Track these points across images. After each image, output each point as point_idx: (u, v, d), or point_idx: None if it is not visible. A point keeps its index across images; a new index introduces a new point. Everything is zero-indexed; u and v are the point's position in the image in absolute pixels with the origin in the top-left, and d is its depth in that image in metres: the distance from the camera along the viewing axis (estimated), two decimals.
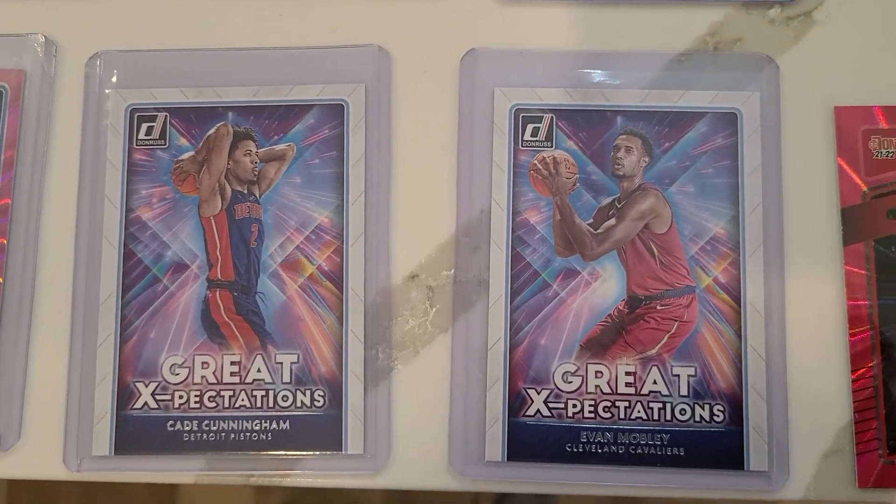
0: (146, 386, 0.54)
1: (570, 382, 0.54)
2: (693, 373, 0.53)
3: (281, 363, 0.54)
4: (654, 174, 0.55)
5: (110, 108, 0.57)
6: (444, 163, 0.56)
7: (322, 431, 0.54)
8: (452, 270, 0.55)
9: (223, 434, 0.54)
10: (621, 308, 0.54)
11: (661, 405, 0.53)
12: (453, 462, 0.53)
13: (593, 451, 0.53)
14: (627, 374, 0.53)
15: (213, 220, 0.56)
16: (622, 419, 0.53)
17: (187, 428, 0.54)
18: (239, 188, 0.56)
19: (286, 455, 0.54)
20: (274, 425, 0.54)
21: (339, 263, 0.55)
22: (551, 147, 0.56)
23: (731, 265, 0.54)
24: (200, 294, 0.55)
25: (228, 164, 0.57)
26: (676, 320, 0.54)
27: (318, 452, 0.54)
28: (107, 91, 0.57)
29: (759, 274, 0.54)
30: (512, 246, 0.55)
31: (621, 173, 0.56)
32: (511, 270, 0.55)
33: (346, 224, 0.56)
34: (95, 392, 0.54)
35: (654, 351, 0.54)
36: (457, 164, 0.56)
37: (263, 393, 0.54)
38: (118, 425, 0.54)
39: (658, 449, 0.53)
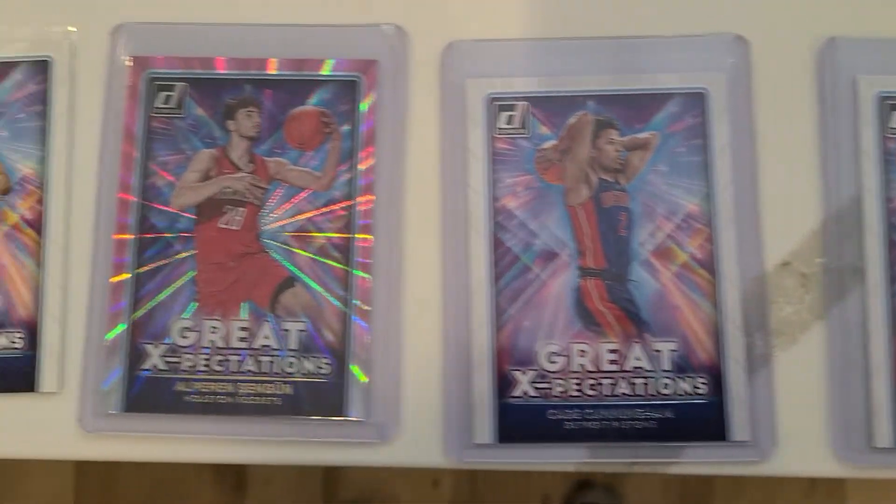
0: (524, 374, 0.54)
1: None
2: None
3: (659, 351, 0.54)
4: None
5: (470, 98, 0.57)
6: (808, 150, 0.56)
7: (706, 419, 0.54)
8: (825, 258, 0.55)
9: (605, 422, 0.54)
10: None
11: None
12: (838, 448, 0.53)
13: None
14: None
15: (580, 209, 0.56)
16: None
17: (568, 416, 0.54)
18: (604, 176, 0.56)
19: (671, 443, 0.54)
20: (657, 413, 0.54)
21: (711, 251, 0.55)
22: None
23: None
24: (572, 282, 0.55)
25: (592, 152, 0.57)
26: None
27: (702, 440, 0.54)
28: (465, 80, 0.57)
29: None
30: (887, 233, 0.55)
31: None
32: (888, 257, 0.55)
33: (715, 212, 0.55)
34: (473, 380, 0.54)
35: None
36: (821, 151, 0.56)
37: (644, 381, 0.54)
38: (499, 414, 0.54)
39: None
